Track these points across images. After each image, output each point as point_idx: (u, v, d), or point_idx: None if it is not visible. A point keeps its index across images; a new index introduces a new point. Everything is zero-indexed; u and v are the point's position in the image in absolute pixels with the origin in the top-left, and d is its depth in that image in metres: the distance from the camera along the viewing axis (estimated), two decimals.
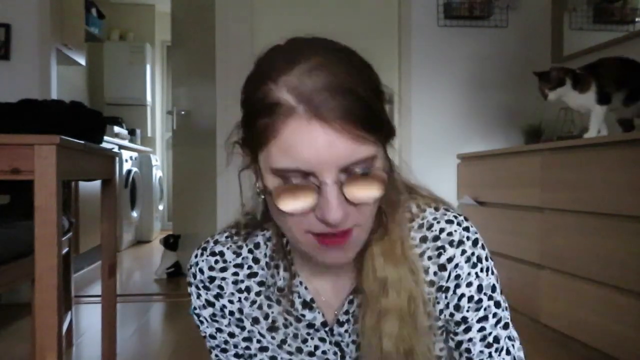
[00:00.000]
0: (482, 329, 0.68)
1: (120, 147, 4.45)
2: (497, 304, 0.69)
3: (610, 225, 1.76)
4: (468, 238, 0.68)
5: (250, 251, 0.74)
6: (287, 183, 0.56)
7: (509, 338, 0.70)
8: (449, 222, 0.68)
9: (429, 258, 0.68)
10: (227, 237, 0.75)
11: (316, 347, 0.73)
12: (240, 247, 0.74)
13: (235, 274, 0.73)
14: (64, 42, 3.59)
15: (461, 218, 0.70)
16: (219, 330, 0.76)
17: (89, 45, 5.00)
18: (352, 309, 0.70)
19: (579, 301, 1.93)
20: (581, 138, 2.14)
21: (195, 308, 0.76)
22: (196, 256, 0.75)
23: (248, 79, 0.63)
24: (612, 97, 2.08)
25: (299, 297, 0.70)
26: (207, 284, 0.74)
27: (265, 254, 0.73)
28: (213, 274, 0.74)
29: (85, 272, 3.64)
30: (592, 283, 1.86)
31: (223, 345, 0.76)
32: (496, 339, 0.68)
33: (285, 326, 0.73)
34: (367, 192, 0.57)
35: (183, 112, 3.53)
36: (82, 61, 4.12)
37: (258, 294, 0.73)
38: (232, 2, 3.02)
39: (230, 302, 0.74)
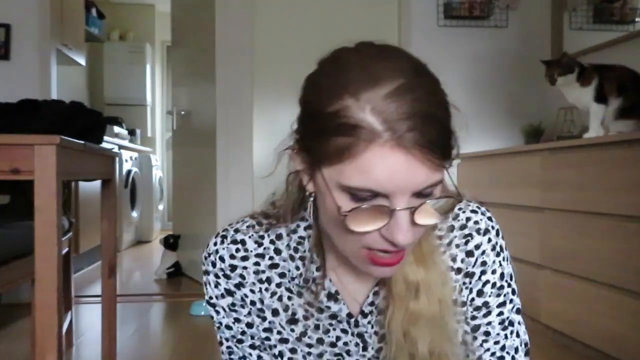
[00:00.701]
0: (500, 313, 0.73)
1: (120, 147, 4.45)
2: (514, 291, 0.74)
3: (610, 225, 1.76)
4: (493, 227, 0.73)
5: (272, 242, 0.73)
6: (355, 199, 0.56)
7: (519, 323, 0.75)
8: (474, 211, 0.73)
9: (457, 246, 0.71)
10: (247, 227, 0.74)
11: (338, 338, 0.73)
12: (262, 237, 0.73)
13: (257, 263, 0.73)
14: (64, 42, 3.59)
15: (484, 209, 0.74)
16: (236, 320, 0.74)
17: (89, 45, 5.00)
18: (377, 300, 0.71)
19: (579, 301, 1.93)
20: (581, 138, 2.14)
21: (211, 297, 0.74)
22: (215, 244, 0.73)
23: (314, 83, 0.61)
24: (609, 100, 2.07)
25: (324, 289, 0.71)
26: (228, 272, 0.73)
27: (289, 246, 0.72)
28: (234, 262, 0.73)
29: (85, 272, 3.64)
30: (592, 283, 1.86)
31: (239, 336, 0.75)
32: (511, 323, 0.73)
33: (306, 318, 0.72)
34: (434, 218, 0.59)
35: (183, 112, 3.53)
36: (82, 61, 4.12)
37: (279, 285, 0.73)
38: (232, 2, 3.02)
39: (252, 291, 0.73)
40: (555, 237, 2.07)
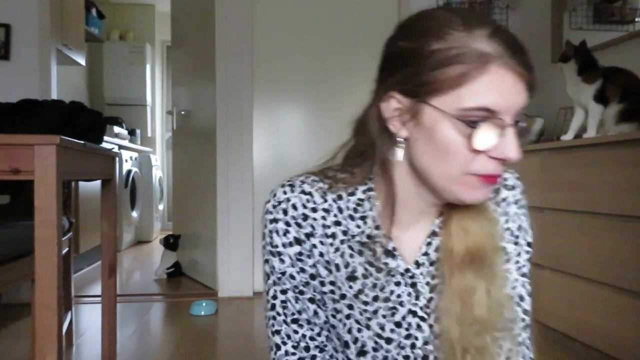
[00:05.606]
0: (517, 262, 0.78)
1: (120, 147, 4.45)
2: (529, 244, 0.79)
3: (610, 225, 1.76)
4: (519, 186, 0.81)
5: (334, 200, 0.75)
6: (467, 123, 0.62)
7: (529, 275, 0.80)
8: (504, 171, 0.77)
9: (489, 199, 0.76)
10: (312, 181, 0.76)
11: (391, 292, 0.75)
12: (326, 194, 0.75)
13: (324, 217, 0.75)
14: (64, 42, 3.59)
15: (512, 170, 0.81)
16: (302, 270, 0.75)
17: (89, 45, 5.00)
18: (429, 250, 0.75)
19: (579, 301, 1.93)
20: (581, 138, 2.13)
21: (276, 246, 0.75)
22: (285, 192, 0.75)
23: (412, 30, 0.67)
24: (609, 103, 2.06)
25: (381, 246, 0.74)
26: (300, 220, 0.74)
27: (348, 207, 0.75)
28: (306, 212, 0.74)
29: (85, 272, 3.64)
30: (592, 283, 1.86)
31: (302, 287, 0.76)
32: (526, 271, 0.79)
33: (365, 277, 0.74)
34: (521, 139, 0.65)
35: (183, 112, 3.53)
36: (82, 61, 4.12)
37: (342, 242, 0.75)
38: (232, 2, 3.02)
39: (321, 243, 0.75)
40: (555, 237, 2.07)
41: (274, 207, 0.75)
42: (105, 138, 3.33)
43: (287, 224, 0.74)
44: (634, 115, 1.99)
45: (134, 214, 4.94)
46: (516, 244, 0.78)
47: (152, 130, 6.14)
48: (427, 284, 0.75)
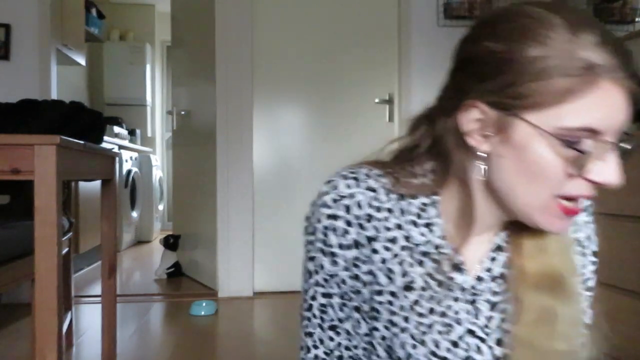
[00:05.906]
0: (582, 274, 0.72)
1: (120, 147, 4.45)
2: (594, 254, 0.74)
3: (610, 225, 1.76)
4: None
5: (397, 200, 0.66)
6: (565, 142, 0.55)
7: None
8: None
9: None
10: (377, 175, 0.66)
11: (448, 307, 0.67)
12: (389, 192, 0.65)
13: (387, 219, 0.65)
14: (64, 42, 3.59)
15: None
16: (355, 277, 0.66)
17: (89, 45, 5.00)
18: (493, 265, 0.69)
19: None
20: None
21: (330, 245, 0.65)
22: (349, 186, 0.65)
23: (500, 31, 0.58)
24: None
25: (449, 259, 0.66)
26: (364, 221, 0.64)
27: (410, 211, 0.66)
28: (371, 212, 0.64)
29: (85, 272, 3.64)
30: None
31: (351, 294, 0.67)
32: (592, 285, 0.73)
33: (423, 289, 0.66)
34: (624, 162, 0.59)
35: (183, 112, 3.53)
36: (82, 61, 4.12)
37: (403, 248, 0.66)
38: (232, 2, 3.02)
39: (385, 248, 0.65)
40: None
41: (335, 201, 0.65)
42: (105, 138, 3.33)
43: (349, 223, 0.64)
44: (634, 115, 1.99)
45: (134, 214, 4.94)
46: (583, 255, 0.72)
47: (152, 130, 6.14)
48: (487, 301, 0.68)
